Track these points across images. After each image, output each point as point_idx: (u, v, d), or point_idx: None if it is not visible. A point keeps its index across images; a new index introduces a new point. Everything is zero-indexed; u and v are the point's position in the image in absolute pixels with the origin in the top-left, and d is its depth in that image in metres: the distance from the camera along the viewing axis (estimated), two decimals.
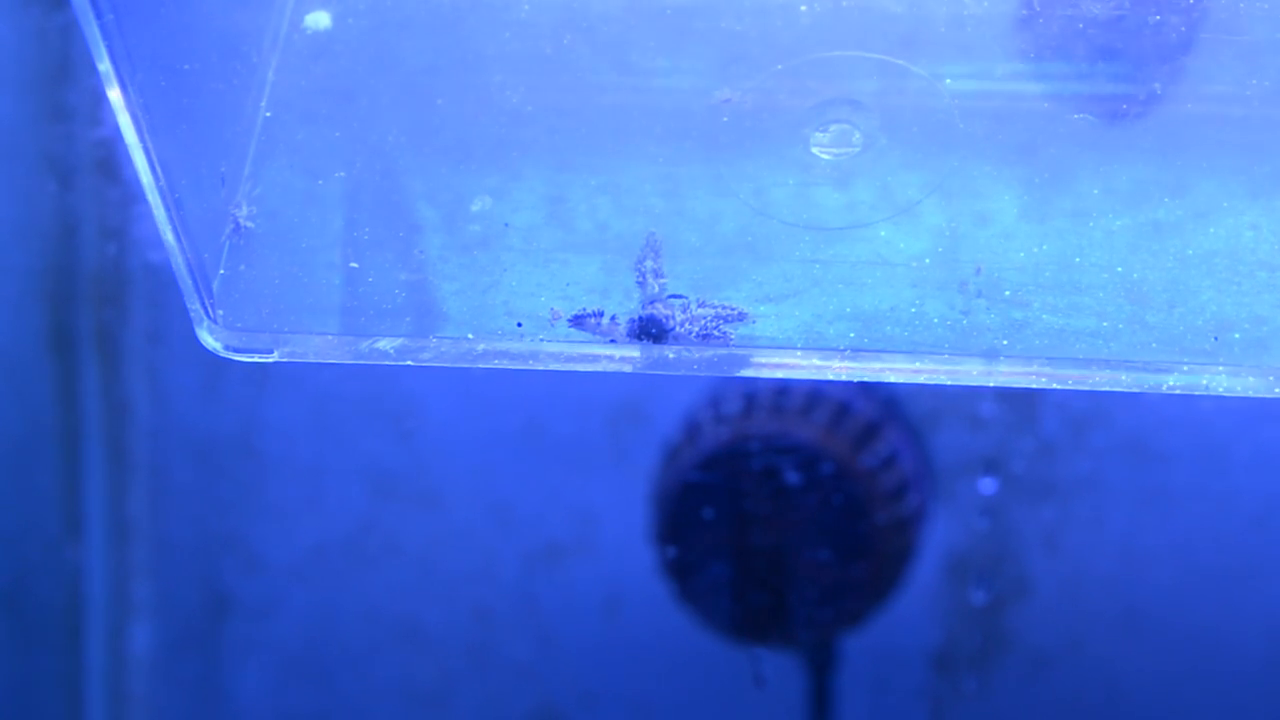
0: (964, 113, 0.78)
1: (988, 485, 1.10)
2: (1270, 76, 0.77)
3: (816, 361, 0.74)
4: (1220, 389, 0.72)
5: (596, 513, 1.13)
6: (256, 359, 0.76)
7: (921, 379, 0.73)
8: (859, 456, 1.04)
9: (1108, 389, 0.73)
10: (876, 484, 1.05)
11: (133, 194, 1.09)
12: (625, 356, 0.74)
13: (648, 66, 0.81)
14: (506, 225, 0.77)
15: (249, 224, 0.77)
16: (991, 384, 0.73)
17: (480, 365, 0.75)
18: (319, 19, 0.82)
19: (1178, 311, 0.73)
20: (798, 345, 0.74)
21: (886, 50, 0.79)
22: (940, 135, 0.78)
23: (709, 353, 0.74)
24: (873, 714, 1.13)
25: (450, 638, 1.16)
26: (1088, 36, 0.78)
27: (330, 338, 0.76)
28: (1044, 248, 0.75)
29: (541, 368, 0.75)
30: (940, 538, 1.10)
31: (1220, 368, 0.72)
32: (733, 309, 0.74)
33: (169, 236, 0.73)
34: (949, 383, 0.74)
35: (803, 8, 0.80)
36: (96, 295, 1.12)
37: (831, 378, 0.74)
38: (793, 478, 1.04)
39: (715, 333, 0.74)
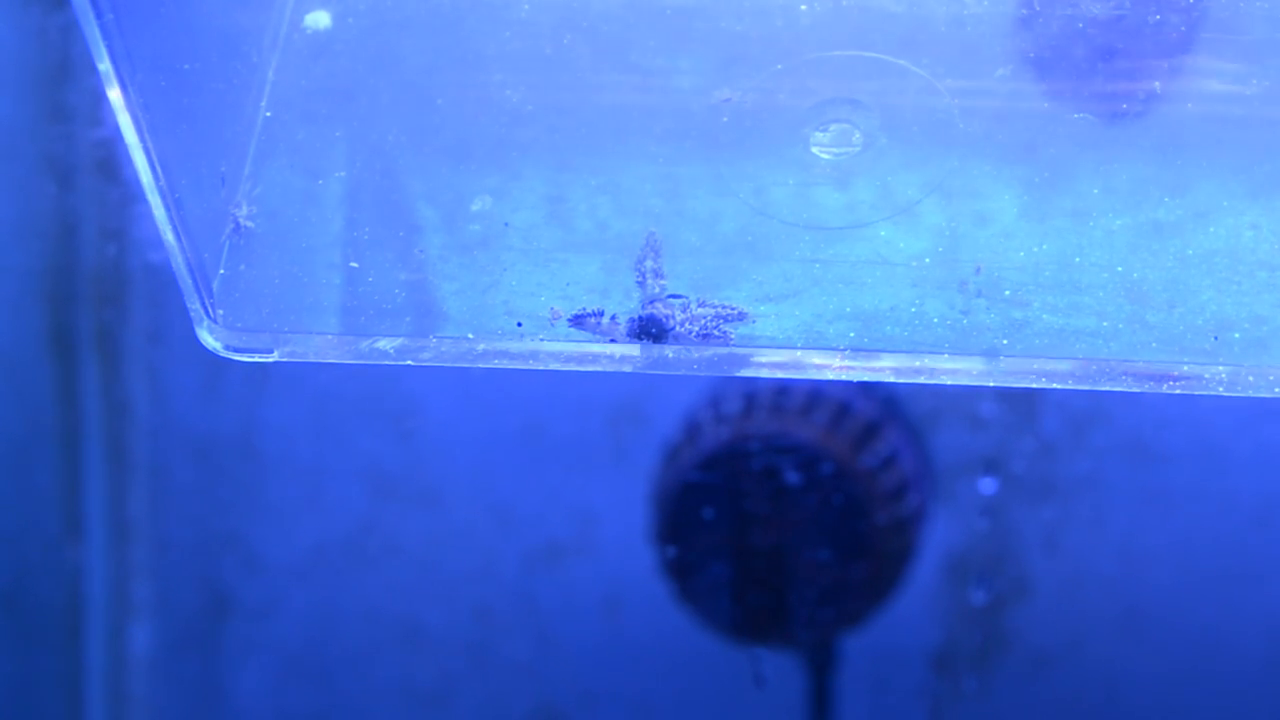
0: (964, 112, 0.78)
1: (988, 485, 1.09)
2: (1270, 76, 0.77)
3: (816, 361, 0.74)
4: (1220, 389, 0.72)
5: (596, 513, 1.13)
6: (256, 359, 0.76)
7: (921, 379, 0.73)
8: (859, 456, 1.04)
9: (1108, 389, 0.72)
10: (876, 484, 1.04)
11: (133, 194, 1.09)
12: (625, 356, 0.74)
13: (648, 66, 0.81)
14: (506, 225, 0.77)
15: (249, 224, 0.77)
16: (991, 384, 0.73)
17: (480, 365, 0.75)
18: (319, 19, 0.82)
19: (1178, 311, 0.73)
20: (798, 345, 0.74)
21: (886, 50, 0.79)
22: (940, 135, 0.78)
23: (709, 352, 0.74)
24: (873, 714, 1.13)
25: (450, 638, 1.15)
26: (1088, 36, 0.78)
27: (330, 338, 0.76)
28: (1044, 247, 0.75)
29: (541, 367, 0.74)
30: (940, 538, 1.10)
31: (1220, 368, 0.72)
32: (733, 309, 0.74)
33: (169, 236, 0.73)
34: (949, 383, 0.74)
35: (803, 7, 0.80)
36: (96, 295, 1.12)
37: (831, 378, 0.74)
38: (793, 478, 1.04)
39: (715, 332, 0.73)
